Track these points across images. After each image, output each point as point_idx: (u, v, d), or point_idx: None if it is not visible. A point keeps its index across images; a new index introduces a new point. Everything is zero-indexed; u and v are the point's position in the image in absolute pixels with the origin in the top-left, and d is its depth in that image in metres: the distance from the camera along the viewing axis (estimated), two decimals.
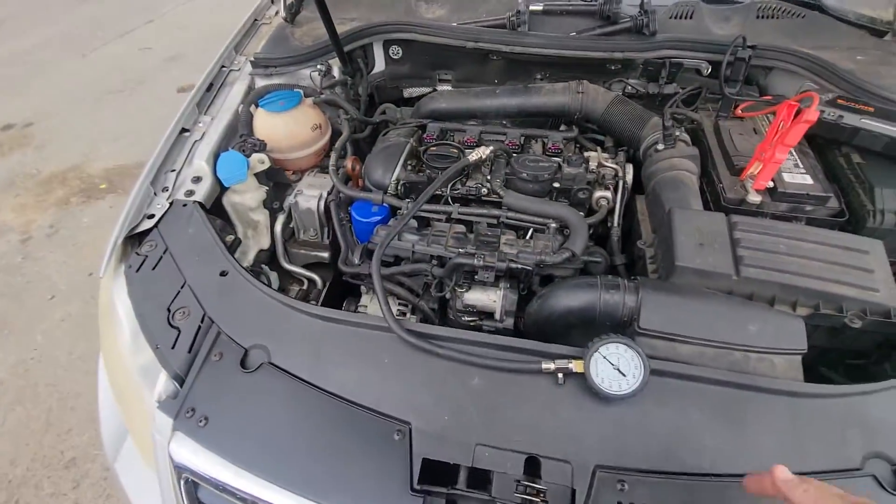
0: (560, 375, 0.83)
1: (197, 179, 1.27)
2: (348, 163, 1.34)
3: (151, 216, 1.19)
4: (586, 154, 1.37)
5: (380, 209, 1.28)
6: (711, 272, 0.97)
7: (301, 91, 1.43)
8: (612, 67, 1.41)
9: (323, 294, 1.43)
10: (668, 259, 1.01)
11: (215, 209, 1.30)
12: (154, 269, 1.08)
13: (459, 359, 0.86)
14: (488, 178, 1.27)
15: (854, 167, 1.14)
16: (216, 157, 1.31)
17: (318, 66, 1.44)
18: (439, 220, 1.24)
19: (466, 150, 1.37)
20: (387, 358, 0.90)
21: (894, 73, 1.30)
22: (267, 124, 1.37)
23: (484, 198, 1.29)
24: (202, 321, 0.98)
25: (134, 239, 1.17)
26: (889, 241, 1.07)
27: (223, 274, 1.05)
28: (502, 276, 1.11)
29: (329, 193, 1.37)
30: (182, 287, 1.03)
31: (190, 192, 1.24)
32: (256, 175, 1.35)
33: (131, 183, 3.20)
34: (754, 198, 1.10)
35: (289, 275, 1.47)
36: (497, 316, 1.11)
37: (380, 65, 1.59)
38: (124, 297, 1.05)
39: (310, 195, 1.39)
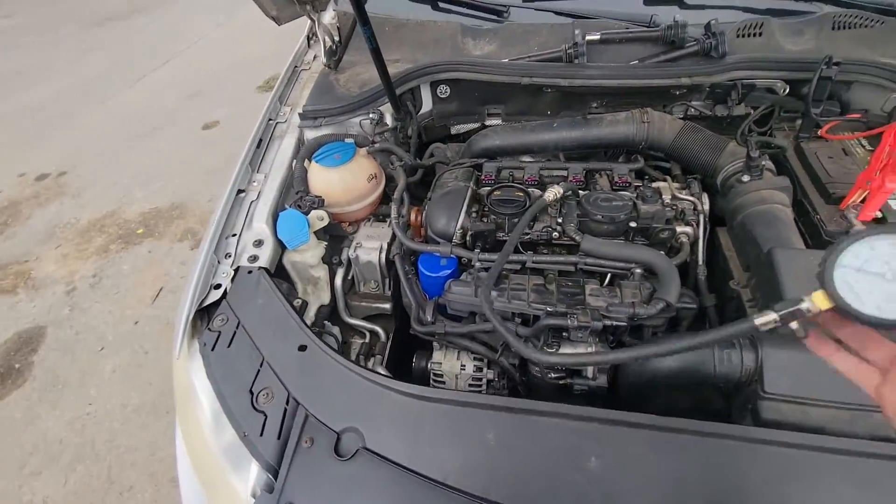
0: (794, 325, 0.52)
1: (259, 243, 1.24)
2: (411, 214, 1.29)
3: (218, 286, 1.15)
4: (655, 185, 1.30)
5: (448, 261, 1.23)
6: None
7: (353, 142, 1.39)
8: (677, 93, 1.34)
9: (388, 347, 1.39)
10: (776, 295, 0.94)
11: (275, 269, 1.27)
12: (229, 346, 1.04)
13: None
14: (558, 220, 1.21)
15: None
16: (275, 217, 1.28)
17: (371, 115, 1.40)
18: (513, 271, 1.19)
19: (530, 190, 1.32)
20: (491, 435, 0.84)
21: None
22: (323, 179, 1.33)
23: (554, 241, 1.23)
24: (287, 403, 0.93)
25: (202, 311, 1.14)
26: None
27: (302, 349, 1.01)
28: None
29: (389, 244, 1.33)
30: (261, 365, 0.99)
31: (253, 258, 1.20)
32: (315, 232, 1.32)
33: (167, 226, 3.25)
34: (860, 229, 1.02)
35: (350, 328, 1.43)
36: (589, 374, 1.04)
37: (427, 105, 1.55)
38: (202, 378, 1.02)
39: (370, 247, 1.34)
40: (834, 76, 1.16)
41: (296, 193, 1.33)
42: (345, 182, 1.33)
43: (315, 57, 1.76)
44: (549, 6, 1.45)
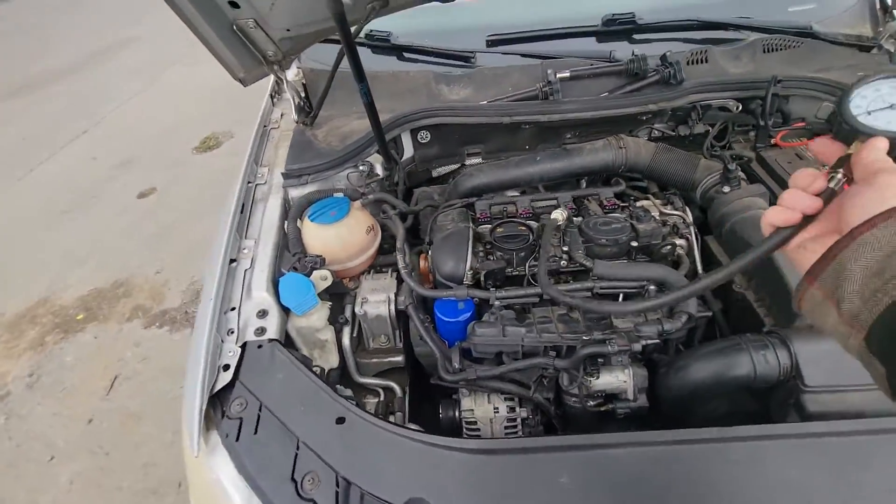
0: (838, 177, 0.51)
1: (263, 313, 1.16)
2: (421, 261, 1.27)
3: (227, 367, 1.06)
4: (640, 204, 1.38)
5: (466, 304, 1.22)
6: None
7: (346, 197, 1.37)
8: (644, 118, 1.45)
9: (407, 402, 1.33)
10: (788, 302, 1.01)
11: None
12: (256, 432, 0.95)
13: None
14: (563, 248, 1.24)
15: None
16: (275, 283, 1.21)
17: (360, 167, 1.39)
18: (533, 304, 1.19)
19: (528, 223, 1.35)
20: (565, 478, 0.82)
21: None
22: (320, 238, 1.29)
23: (562, 270, 1.26)
24: (338, 485, 0.86)
25: (214, 398, 1.03)
26: None
27: (340, 421, 0.94)
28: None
29: (396, 295, 1.30)
30: (298, 448, 0.91)
31: (261, 330, 1.12)
32: (319, 293, 1.26)
33: (112, 307, 2.97)
34: None
35: (362, 388, 1.36)
36: (630, 395, 1.06)
37: (409, 151, 1.56)
38: (231, 473, 0.91)
39: (377, 301, 1.30)
40: (779, 92, 1.31)
41: (293, 256, 1.27)
42: (343, 238, 1.29)
43: (282, 115, 1.73)
44: (515, 49, 1.54)
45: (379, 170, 1.43)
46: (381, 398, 1.35)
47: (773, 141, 1.35)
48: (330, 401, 0.97)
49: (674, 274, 1.13)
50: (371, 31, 1.62)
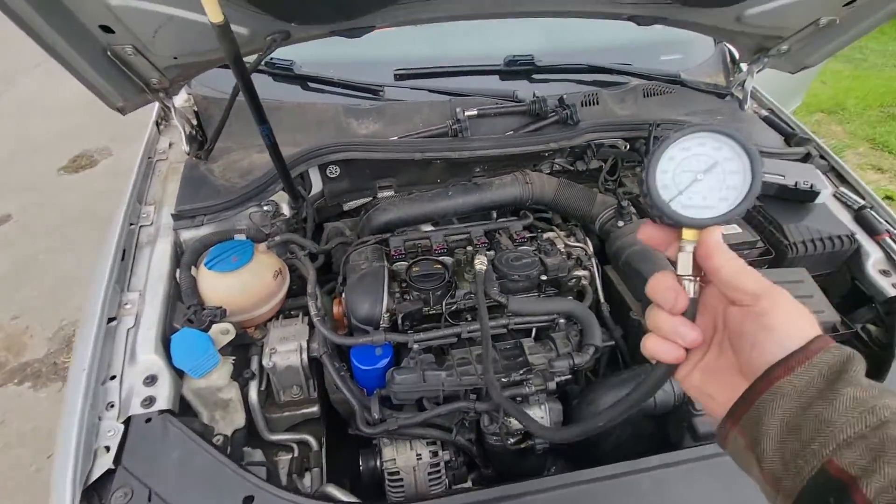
0: (695, 286, 0.51)
1: (151, 380, 1.02)
2: (335, 306, 1.21)
3: (107, 449, 0.91)
4: (546, 236, 1.45)
5: (383, 349, 1.18)
6: None
7: (247, 237, 1.26)
8: (546, 154, 1.54)
9: (324, 455, 1.25)
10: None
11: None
12: None
13: None
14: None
15: (758, 209, 1.42)
16: (166, 342, 1.08)
17: (265, 208, 1.29)
18: (451, 346, 1.19)
19: (443, 259, 1.35)
20: None
21: (746, 126, 1.66)
22: (220, 287, 1.17)
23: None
24: None
25: (90, 490, 0.88)
26: (805, 263, 1.34)
27: (248, 501, 0.85)
28: None
29: (308, 342, 1.22)
30: None
31: (149, 401, 0.99)
32: (220, 348, 1.14)
33: None
34: None
35: (274, 445, 1.26)
36: None
37: (317, 186, 1.49)
38: None
39: (287, 350, 1.21)
40: (658, 134, 1.47)
41: (188, 308, 1.14)
42: (247, 286, 1.19)
43: (171, 145, 1.56)
44: (423, 84, 1.55)
45: (285, 209, 1.35)
46: (296, 454, 1.26)
47: None
48: (235, 478, 0.87)
49: (580, 307, 1.21)
50: (272, 58, 1.53)
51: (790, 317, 0.45)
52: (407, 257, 1.36)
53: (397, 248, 1.37)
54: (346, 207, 1.60)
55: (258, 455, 1.19)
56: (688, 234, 0.51)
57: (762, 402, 0.44)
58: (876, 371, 1.18)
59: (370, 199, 1.61)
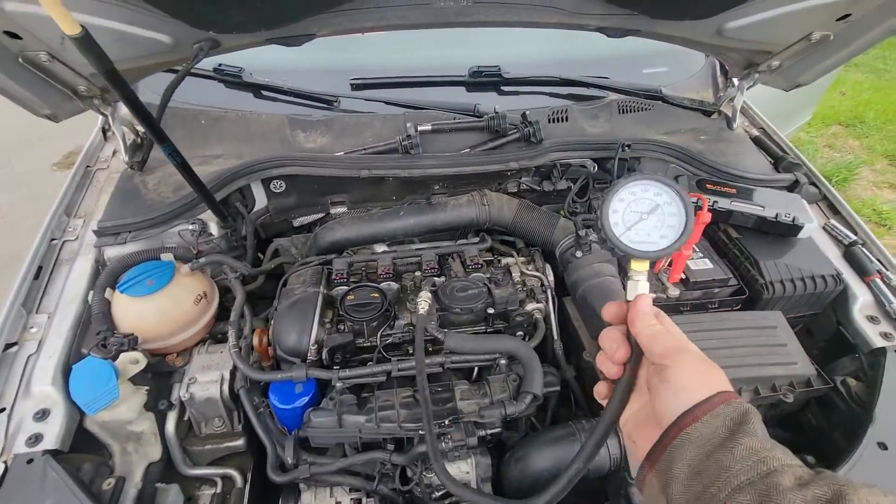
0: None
1: (42, 414, 0.94)
2: (255, 337, 1.12)
3: None
4: (504, 261, 1.35)
5: (305, 386, 1.09)
6: None
7: (172, 257, 1.18)
8: (509, 174, 1.44)
9: (247, 493, 1.16)
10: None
11: (77, 435, 0.98)
12: None
13: None
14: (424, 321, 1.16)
15: (735, 242, 1.29)
16: (66, 373, 1.00)
17: (190, 227, 1.21)
18: (378, 385, 1.10)
19: (384, 285, 1.26)
20: None
21: (732, 148, 1.53)
22: (133, 312, 1.09)
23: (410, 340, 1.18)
24: None
25: None
26: (783, 304, 1.22)
27: None
28: None
29: (232, 372, 1.14)
30: None
31: (34, 439, 0.91)
32: (131, 378, 1.06)
33: None
34: (674, 292, 1.17)
35: (195, 479, 1.18)
36: (473, 486, 0.99)
37: (261, 201, 1.41)
38: None
39: (207, 381, 1.13)
40: (628, 157, 1.35)
41: (97, 335, 1.06)
42: (163, 311, 1.11)
43: (115, 152, 1.49)
44: (380, 96, 1.45)
45: (213, 228, 1.26)
46: (219, 489, 1.18)
47: None
48: None
49: (523, 346, 1.10)
50: (220, 64, 1.45)
51: (691, 375, 0.52)
52: (349, 281, 1.27)
53: (340, 271, 1.28)
54: (296, 223, 1.51)
55: (173, 491, 1.11)
56: (636, 264, 0.58)
57: (674, 447, 0.49)
58: (851, 433, 1.05)
59: (323, 214, 1.52)
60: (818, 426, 1.17)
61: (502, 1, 1.09)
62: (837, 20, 1.21)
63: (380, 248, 1.44)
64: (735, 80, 1.57)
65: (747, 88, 1.54)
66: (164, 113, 1.32)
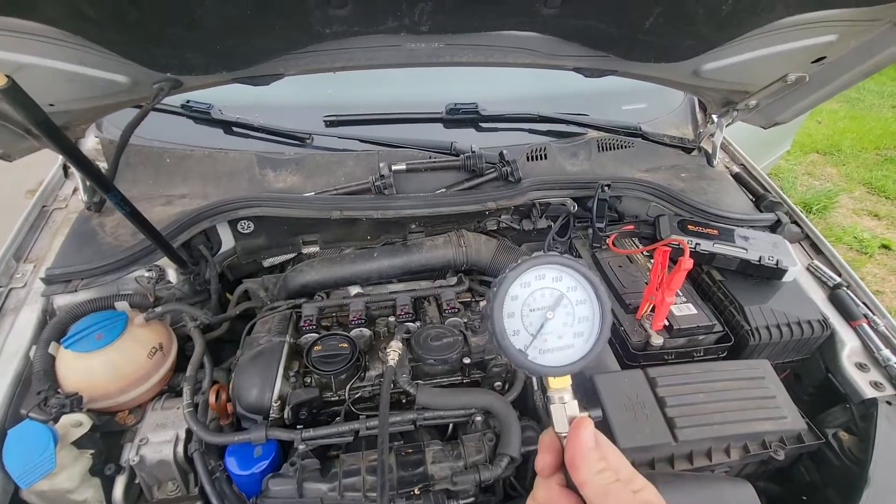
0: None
1: None
2: (210, 394, 1.04)
3: None
4: (483, 304, 1.29)
5: (265, 448, 1.01)
6: (652, 445, 0.94)
7: (127, 305, 1.11)
8: (487, 213, 1.39)
9: None
10: (609, 439, 0.95)
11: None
12: None
13: None
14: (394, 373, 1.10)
15: (719, 285, 1.25)
16: (2, 438, 0.91)
17: (146, 274, 1.14)
18: (346, 445, 1.02)
19: (355, 332, 1.19)
20: None
21: (713, 186, 1.51)
22: (79, 369, 1.01)
23: (392, 391, 1.11)
24: None
25: None
26: (770, 351, 1.17)
27: None
28: None
29: (189, 431, 1.05)
30: None
31: None
32: (74, 441, 0.97)
33: None
34: (657, 340, 1.12)
35: None
36: None
37: (228, 242, 1.34)
38: None
39: (161, 441, 1.04)
40: (608, 197, 1.32)
41: (37, 394, 0.98)
42: (113, 367, 1.03)
43: (75, 190, 1.42)
44: (355, 133, 1.41)
45: (172, 275, 1.19)
46: None
47: (607, 241, 1.35)
48: None
49: (500, 402, 1.03)
50: (188, 101, 1.40)
51: None
52: (318, 328, 1.21)
53: (309, 317, 1.21)
54: (266, 264, 1.45)
55: None
56: (555, 382, 0.48)
57: None
58: (845, 489, 1.00)
59: (294, 255, 1.46)
60: (811, 482, 1.11)
61: (475, 43, 1.06)
62: (813, 62, 1.21)
63: (354, 289, 1.38)
64: (714, 117, 1.56)
65: (726, 126, 1.53)
66: (127, 151, 1.28)
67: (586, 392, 1.07)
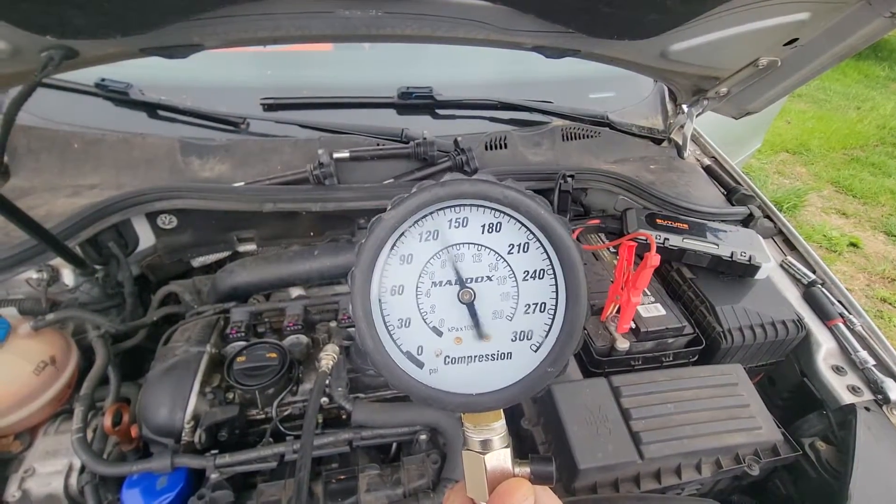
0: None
1: None
2: (107, 416, 0.89)
3: None
4: None
5: (171, 479, 0.86)
6: (616, 464, 0.83)
7: (12, 314, 0.95)
8: None
9: None
10: (567, 457, 0.84)
11: None
12: None
13: None
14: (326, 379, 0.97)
15: (689, 283, 1.16)
16: None
17: (35, 276, 0.98)
18: (269, 472, 0.88)
19: (290, 340, 1.06)
20: None
21: (683, 178, 1.42)
22: None
23: (324, 407, 0.98)
24: None
25: None
26: (743, 354, 1.08)
27: None
28: None
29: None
30: None
31: None
32: None
33: None
34: (623, 344, 1.02)
35: None
36: None
37: (147, 240, 1.19)
38: None
39: (49, 473, 0.89)
40: (571, 189, 1.22)
41: None
42: None
43: None
44: (296, 118, 1.27)
45: (68, 277, 1.03)
46: None
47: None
48: None
49: (447, 417, 0.91)
50: (103, 79, 1.24)
51: None
52: (248, 336, 1.06)
53: (237, 323, 1.07)
54: (196, 264, 1.29)
55: None
56: (472, 417, 0.31)
57: None
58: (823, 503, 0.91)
59: (229, 253, 1.31)
60: (787, 495, 1.03)
61: (418, 13, 0.94)
62: (785, 45, 1.13)
63: (295, 291, 1.24)
64: (685, 107, 1.48)
65: (697, 115, 1.45)
66: (29, 135, 1.12)
67: (540, 405, 0.96)
